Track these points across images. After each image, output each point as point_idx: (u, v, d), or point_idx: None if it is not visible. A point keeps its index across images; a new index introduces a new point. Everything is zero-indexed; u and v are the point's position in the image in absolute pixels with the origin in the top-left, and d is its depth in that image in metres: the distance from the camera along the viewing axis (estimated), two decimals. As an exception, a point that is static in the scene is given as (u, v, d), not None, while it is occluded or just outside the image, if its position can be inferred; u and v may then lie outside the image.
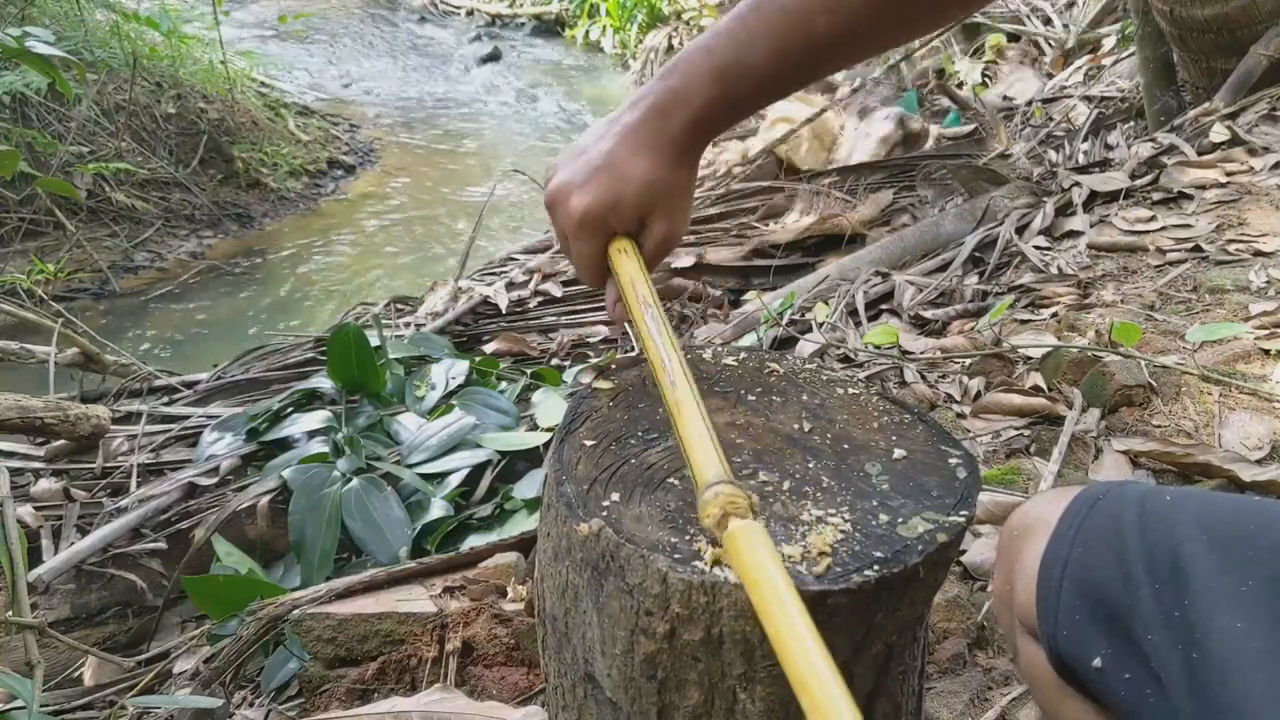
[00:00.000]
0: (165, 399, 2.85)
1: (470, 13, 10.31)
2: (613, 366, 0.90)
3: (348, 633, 1.42)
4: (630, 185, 0.78)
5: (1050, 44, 5.29)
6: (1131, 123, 3.82)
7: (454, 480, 2.10)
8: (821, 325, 2.48)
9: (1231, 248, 2.33)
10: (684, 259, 3.34)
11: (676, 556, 0.64)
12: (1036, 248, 2.64)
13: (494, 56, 8.95)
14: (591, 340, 3.08)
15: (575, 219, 0.79)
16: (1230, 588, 0.63)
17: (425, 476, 2.09)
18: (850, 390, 0.86)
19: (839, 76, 5.72)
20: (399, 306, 3.52)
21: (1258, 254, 2.28)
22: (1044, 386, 1.82)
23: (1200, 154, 2.96)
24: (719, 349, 0.93)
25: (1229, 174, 2.78)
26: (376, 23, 9.82)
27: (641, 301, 0.77)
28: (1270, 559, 0.66)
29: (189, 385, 2.92)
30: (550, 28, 9.94)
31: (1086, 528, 0.67)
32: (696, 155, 0.82)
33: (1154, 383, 1.73)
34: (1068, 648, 0.73)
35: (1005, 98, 4.86)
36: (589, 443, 0.77)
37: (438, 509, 1.98)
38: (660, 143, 0.78)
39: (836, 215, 3.37)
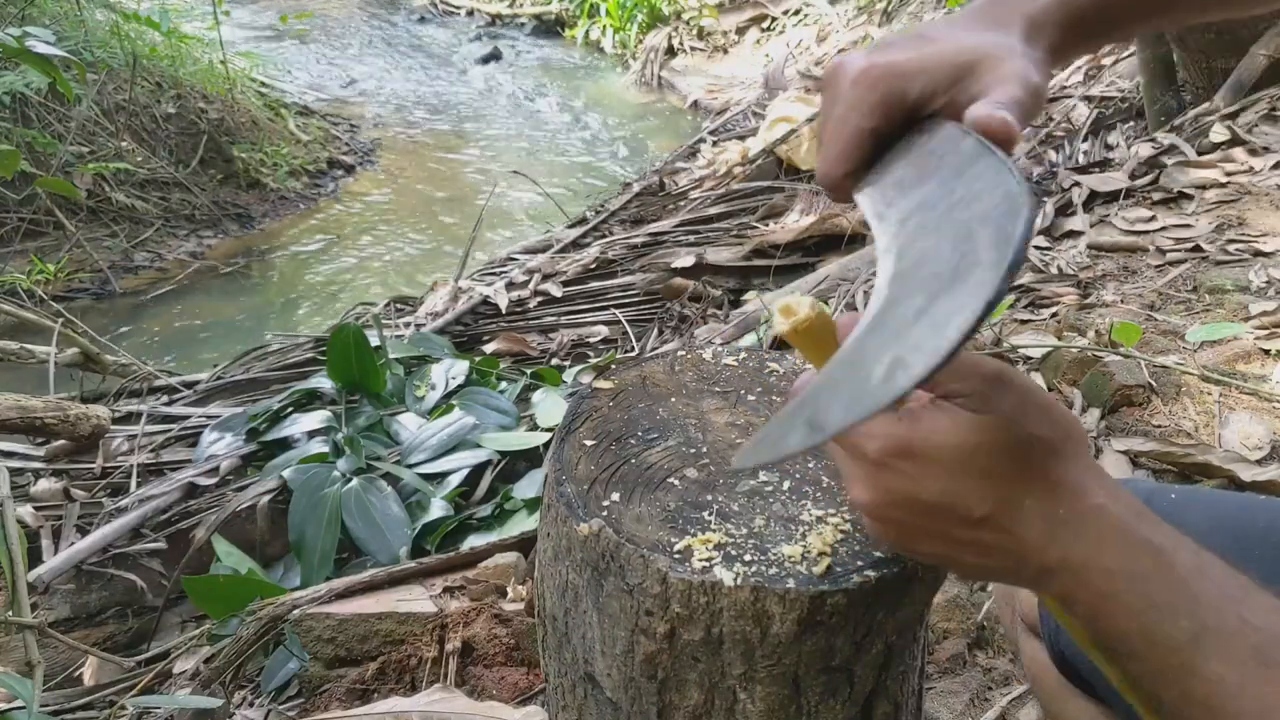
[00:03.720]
0: (165, 399, 2.85)
1: (470, 13, 10.31)
2: (613, 366, 0.89)
3: (348, 633, 1.42)
4: (962, 42, 0.58)
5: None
6: (1131, 123, 3.81)
7: (454, 480, 2.09)
8: (821, 325, 2.48)
9: (1231, 248, 2.33)
10: (684, 259, 3.34)
11: (676, 556, 0.64)
12: (1036, 248, 2.64)
13: (494, 56, 8.95)
14: (591, 340, 3.08)
15: (860, 69, 0.57)
16: None
17: (425, 476, 2.09)
18: (850, 390, 0.86)
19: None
20: (399, 306, 3.52)
21: (1258, 254, 2.28)
22: (1044, 386, 1.82)
23: (1200, 154, 2.96)
24: (719, 349, 0.93)
25: (1229, 174, 2.78)
26: (376, 23, 9.82)
27: None
28: (1276, 556, 0.66)
29: (189, 385, 2.92)
30: (550, 28, 9.94)
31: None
32: (1053, 60, 0.61)
33: (1154, 383, 1.73)
34: (1070, 646, 0.73)
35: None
36: (589, 443, 0.77)
37: (438, 509, 1.98)
38: (1012, 20, 0.60)
39: (836, 215, 3.37)
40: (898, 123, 0.58)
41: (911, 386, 0.40)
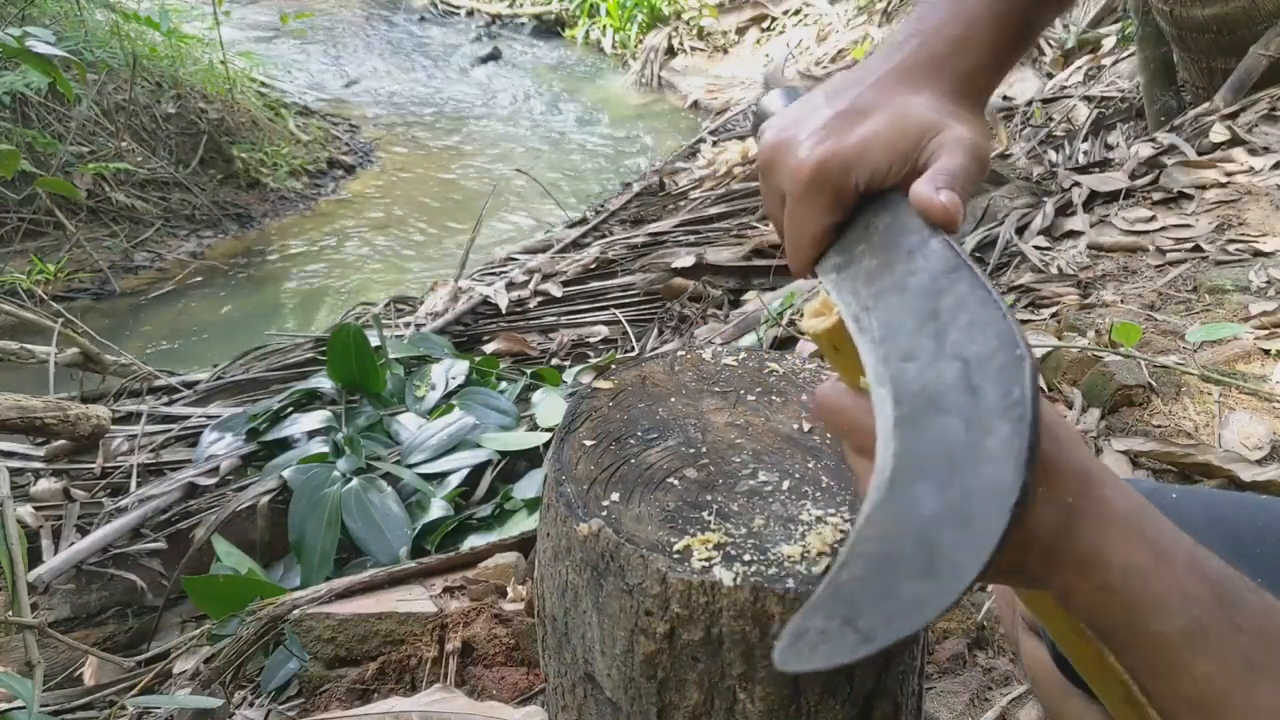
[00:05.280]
0: (165, 399, 2.85)
1: (470, 13, 10.31)
2: (612, 366, 0.89)
3: (348, 633, 1.42)
4: (897, 118, 0.58)
5: (1050, 44, 5.29)
6: (1131, 123, 3.82)
7: (454, 480, 2.09)
8: (821, 325, 2.48)
9: (1231, 248, 2.33)
10: (684, 259, 3.34)
11: (676, 556, 0.64)
12: (1036, 248, 2.64)
13: (494, 56, 8.95)
14: (591, 340, 3.08)
15: (807, 169, 0.57)
16: None
17: (425, 476, 2.09)
18: (850, 390, 0.86)
19: (839, 76, 5.71)
20: (399, 306, 3.52)
21: (1258, 254, 2.28)
22: (1044, 386, 1.82)
23: (1200, 154, 2.96)
24: (719, 349, 0.93)
25: (1229, 174, 2.78)
26: (376, 23, 9.82)
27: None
28: (1276, 556, 0.66)
29: (189, 385, 2.92)
30: (550, 28, 9.94)
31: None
32: (982, 106, 0.63)
33: (1154, 383, 1.73)
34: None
35: (1005, 98, 4.86)
36: (589, 443, 0.77)
37: (438, 509, 1.98)
38: (941, 76, 0.60)
39: (836, 215, 3.37)
40: (851, 207, 0.59)
41: (958, 598, 0.40)
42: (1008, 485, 0.41)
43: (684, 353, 0.91)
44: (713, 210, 3.83)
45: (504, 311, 3.24)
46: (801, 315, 0.53)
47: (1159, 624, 0.47)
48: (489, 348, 3.03)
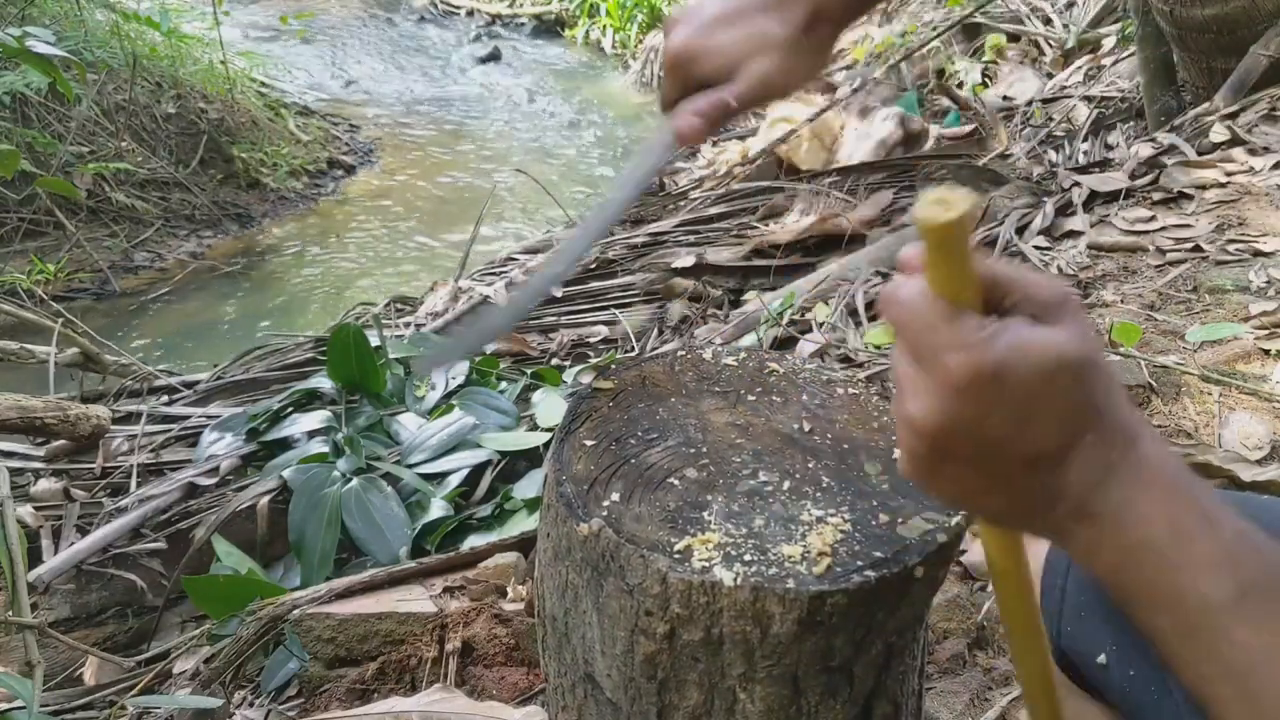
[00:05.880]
0: (165, 399, 2.85)
1: (470, 13, 10.31)
2: (613, 366, 0.89)
3: (348, 633, 1.42)
4: (741, 36, 0.72)
5: (1050, 44, 5.29)
6: (1131, 123, 3.82)
7: (454, 480, 2.09)
8: (821, 325, 2.48)
9: (1231, 248, 2.33)
10: (684, 259, 3.34)
11: (676, 556, 0.64)
12: (1036, 248, 2.64)
13: (494, 56, 8.95)
14: (591, 340, 3.08)
15: (669, 52, 0.75)
16: None
17: (425, 476, 2.09)
18: (850, 390, 0.86)
19: (839, 76, 5.72)
20: (399, 306, 3.52)
21: (1258, 254, 2.28)
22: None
23: (1200, 154, 2.96)
24: (719, 349, 0.93)
25: (1229, 174, 2.78)
26: (376, 23, 9.82)
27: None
28: None
29: (189, 385, 2.92)
30: (550, 28, 9.94)
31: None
32: (829, 35, 0.75)
33: (1154, 383, 1.73)
34: (1071, 645, 0.73)
35: (1005, 98, 4.86)
36: (589, 443, 0.77)
37: (438, 509, 1.98)
38: (798, 7, 0.72)
39: (836, 215, 3.37)
40: (694, 89, 0.74)
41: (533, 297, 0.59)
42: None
43: (684, 353, 0.91)
44: (713, 210, 3.83)
45: (504, 311, 3.24)
46: (919, 203, 0.48)
47: (1204, 585, 0.45)
48: (489, 348, 3.03)
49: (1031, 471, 0.48)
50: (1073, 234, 2.71)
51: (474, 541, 1.82)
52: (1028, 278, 0.51)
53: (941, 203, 0.47)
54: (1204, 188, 2.73)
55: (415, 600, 1.46)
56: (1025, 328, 0.47)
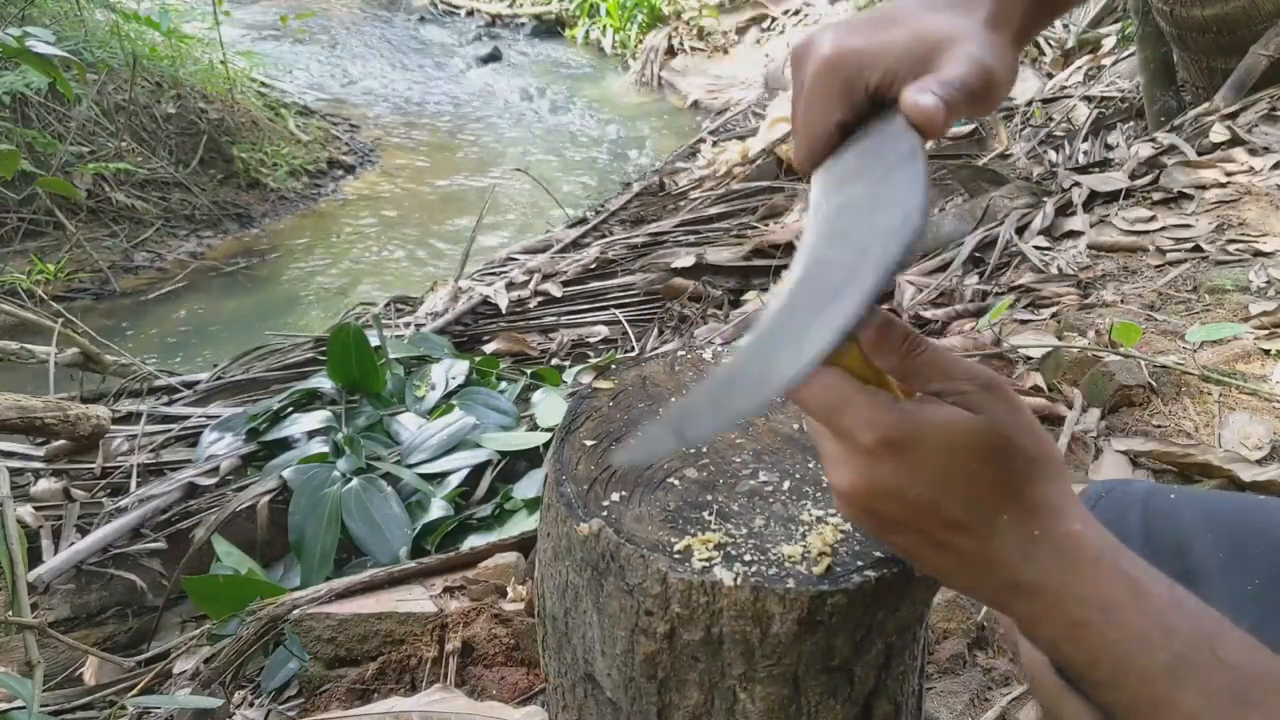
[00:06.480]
0: (165, 399, 2.85)
1: (470, 13, 10.31)
2: (613, 366, 0.89)
3: (348, 633, 1.42)
4: (919, 29, 0.56)
5: (1050, 44, 5.29)
6: (1131, 123, 3.82)
7: (454, 480, 2.09)
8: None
9: (1231, 248, 2.33)
10: (684, 259, 3.34)
11: (676, 556, 0.64)
12: (1036, 248, 2.64)
13: (494, 56, 8.95)
14: (591, 340, 3.08)
15: (822, 58, 0.56)
16: (1238, 585, 0.63)
17: (425, 476, 2.09)
18: (850, 390, 0.86)
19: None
20: (399, 306, 3.52)
21: (1258, 254, 2.28)
22: (1044, 386, 1.82)
23: (1200, 154, 2.96)
24: (719, 349, 0.93)
25: (1229, 174, 2.78)
26: (376, 23, 9.82)
27: None
28: (1275, 556, 0.66)
29: (189, 385, 2.92)
30: (550, 28, 9.94)
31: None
32: (1017, 41, 0.60)
33: (1154, 383, 1.73)
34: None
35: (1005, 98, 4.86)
36: (589, 443, 0.77)
37: (438, 509, 1.98)
38: (977, 5, 0.58)
39: (836, 215, 3.37)
40: (863, 108, 0.57)
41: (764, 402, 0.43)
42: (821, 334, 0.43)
43: (684, 353, 0.91)
44: (713, 210, 3.83)
45: (504, 311, 3.24)
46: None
47: (1141, 658, 0.46)
48: (489, 348, 3.03)
49: (956, 535, 0.50)
50: (1073, 234, 2.71)
51: (474, 541, 1.82)
52: (957, 364, 0.53)
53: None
54: (1204, 188, 2.73)
55: (415, 600, 1.46)
56: (937, 407, 0.50)
